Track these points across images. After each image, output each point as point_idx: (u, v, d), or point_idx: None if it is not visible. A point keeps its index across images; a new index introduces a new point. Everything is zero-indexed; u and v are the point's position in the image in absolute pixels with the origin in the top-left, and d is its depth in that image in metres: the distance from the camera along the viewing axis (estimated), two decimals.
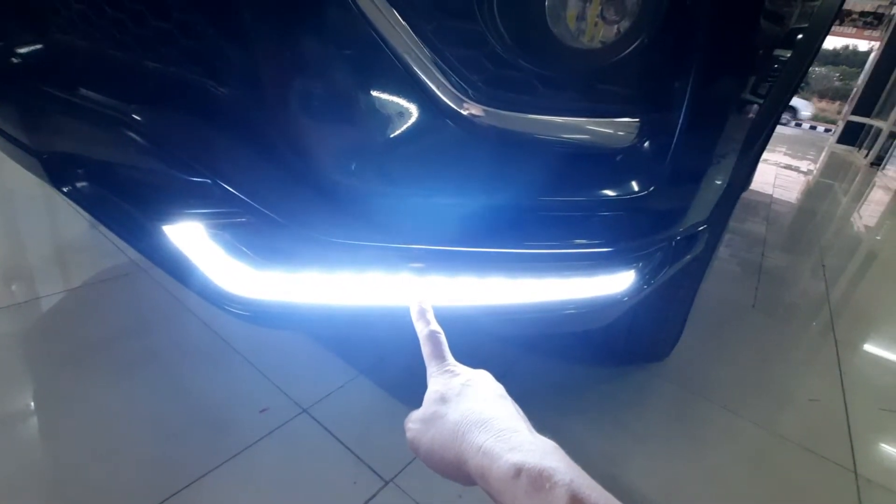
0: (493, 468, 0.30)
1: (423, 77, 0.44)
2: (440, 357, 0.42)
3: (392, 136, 0.45)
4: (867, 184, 4.33)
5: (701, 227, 0.61)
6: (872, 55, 6.24)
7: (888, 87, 5.80)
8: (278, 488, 0.68)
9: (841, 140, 6.54)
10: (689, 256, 0.66)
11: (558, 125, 0.48)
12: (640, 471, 0.80)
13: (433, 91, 0.44)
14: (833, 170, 4.95)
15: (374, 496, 0.68)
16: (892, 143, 4.89)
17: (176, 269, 0.47)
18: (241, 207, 0.44)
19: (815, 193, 3.57)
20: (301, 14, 0.40)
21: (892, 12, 5.66)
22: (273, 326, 0.50)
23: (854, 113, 6.32)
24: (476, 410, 0.35)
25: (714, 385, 1.03)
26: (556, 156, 0.49)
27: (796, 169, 4.48)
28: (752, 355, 1.20)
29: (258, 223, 0.45)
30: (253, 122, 0.43)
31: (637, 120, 0.49)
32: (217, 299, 0.47)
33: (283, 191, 0.45)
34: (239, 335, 0.94)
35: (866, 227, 2.85)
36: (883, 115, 5.52)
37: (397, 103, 0.44)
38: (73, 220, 1.36)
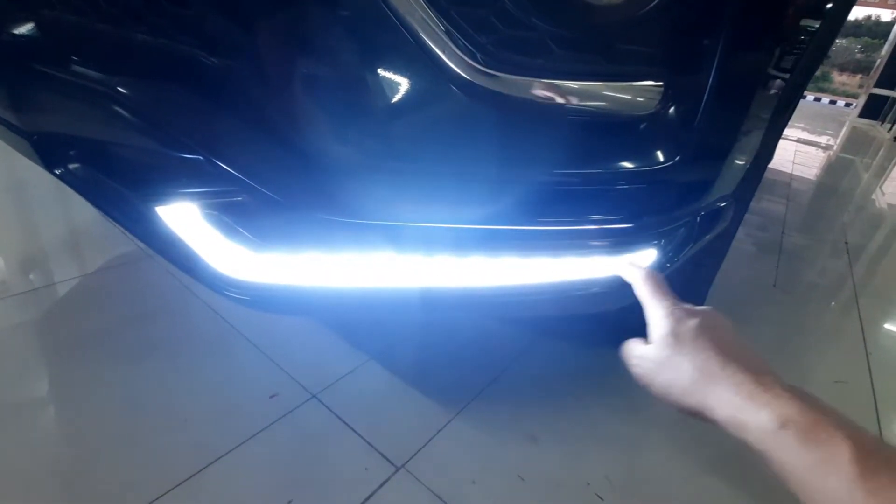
0: (752, 421, 0.32)
1: (428, 40, 0.40)
2: (664, 295, 0.43)
3: (396, 106, 0.41)
4: (890, 159, 4.19)
5: (726, 203, 0.57)
6: None
7: None
8: (290, 473, 0.66)
9: (863, 114, 6.33)
10: (713, 233, 0.62)
11: (575, 90, 0.44)
12: (659, 453, 0.78)
13: (439, 56, 0.41)
14: (854, 145, 4.79)
15: (385, 482, 0.67)
16: None
17: (171, 251, 0.45)
18: (237, 185, 0.42)
19: (836, 169, 3.46)
20: None
21: None
22: (275, 311, 0.48)
23: (877, 86, 6.09)
24: (716, 358, 0.35)
25: None
26: (573, 125, 0.45)
27: (816, 144, 4.34)
28: (775, 336, 1.16)
29: (255, 202, 0.42)
30: (247, 95, 0.40)
31: (661, 84, 0.46)
32: (214, 283, 0.45)
33: (280, 167, 0.42)
34: (247, 321, 0.92)
35: (889, 203, 2.76)
36: None
37: (400, 70, 0.41)
38: (81, 208, 1.35)
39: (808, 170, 3.25)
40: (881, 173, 3.60)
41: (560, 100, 0.44)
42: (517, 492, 0.68)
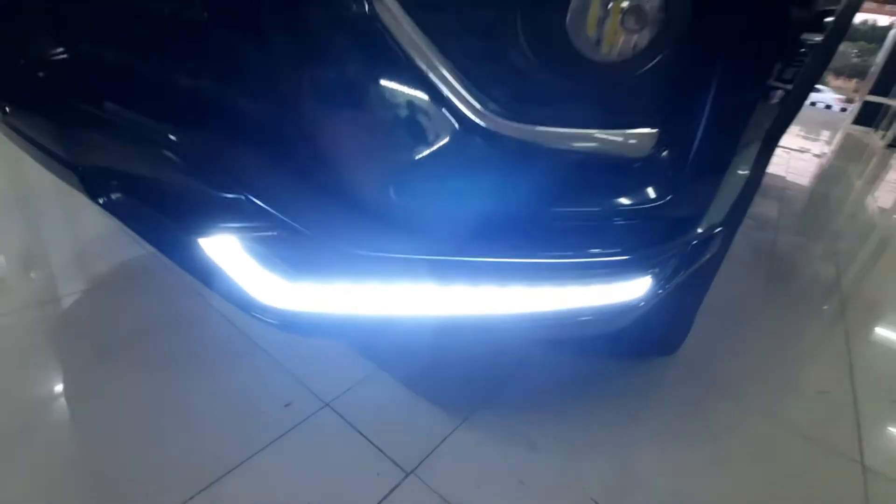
0: None
1: (448, 93, 0.45)
2: None
3: (417, 150, 0.46)
4: (883, 166, 4.26)
5: (717, 231, 0.62)
6: (893, 31, 6.06)
7: None
8: (305, 479, 0.71)
9: (857, 121, 6.40)
10: (705, 258, 0.67)
11: (579, 136, 0.49)
12: (652, 459, 0.82)
13: (457, 106, 0.45)
14: (848, 152, 4.86)
15: (396, 486, 0.72)
16: None
17: (210, 279, 0.49)
18: (273, 221, 0.46)
19: (829, 177, 3.53)
20: (332, 36, 0.41)
21: None
22: (302, 334, 0.52)
23: (872, 92, 6.17)
24: None
25: (723, 377, 1.05)
26: (577, 166, 0.50)
27: (810, 152, 4.40)
28: (761, 347, 1.21)
29: (289, 236, 0.47)
30: (284, 140, 0.45)
31: (656, 130, 0.50)
32: (250, 308, 0.49)
33: (312, 205, 0.47)
34: (261, 331, 0.97)
35: (880, 211, 2.82)
36: None
37: (422, 119, 0.45)
38: (95, 219, 1.39)
39: (801, 177, 3.32)
40: (873, 181, 3.67)
41: (566, 145, 0.49)
42: (518, 496, 0.73)
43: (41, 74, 0.53)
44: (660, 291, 0.57)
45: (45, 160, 0.56)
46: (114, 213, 0.53)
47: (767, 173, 2.86)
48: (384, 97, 0.45)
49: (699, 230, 0.57)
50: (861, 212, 2.76)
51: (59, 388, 0.82)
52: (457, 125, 0.46)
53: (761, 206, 2.41)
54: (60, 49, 0.52)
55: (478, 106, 0.46)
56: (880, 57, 6.21)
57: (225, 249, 0.47)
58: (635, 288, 0.56)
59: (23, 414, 0.76)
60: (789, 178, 3.21)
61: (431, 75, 0.44)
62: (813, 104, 14.63)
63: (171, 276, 1.14)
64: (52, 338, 0.92)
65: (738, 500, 0.78)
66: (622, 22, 0.45)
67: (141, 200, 0.50)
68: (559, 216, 0.51)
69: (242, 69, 0.44)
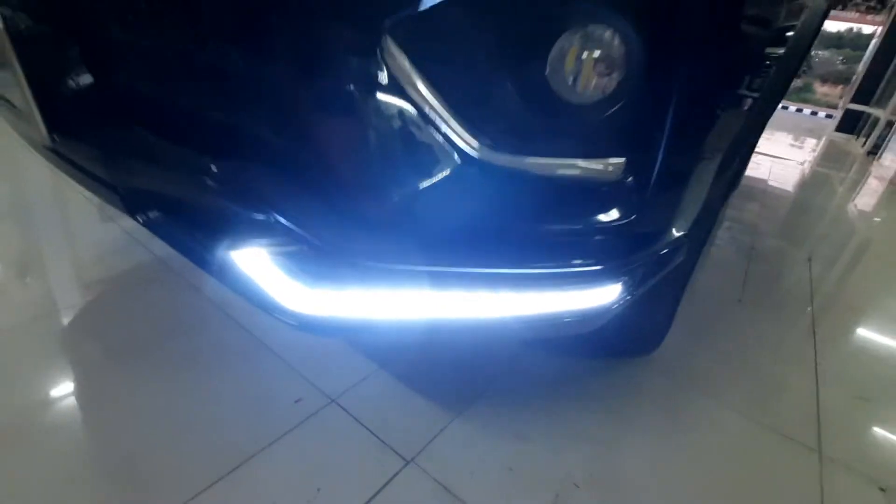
0: None
1: (447, 130, 0.53)
2: None
3: (421, 178, 0.54)
4: (863, 173, 4.41)
5: (680, 243, 0.70)
6: (873, 42, 6.24)
7: (888, 75, 5.82)
8: (316, 467, 0.78)
9: (840, 128, 6.58)
10: (672, 265, 0.76)
11: (559, 165, 0.57)
12: (629, 450, 0.91)
13: (455, 141, 0.53)
14: (829, 160, 5.01)
15: (397, 473, 0.79)
16: (889, 133, 4.95)
17: (239, 286, 0.57)
18: (297, 238, 0.54)
19: (810, 184, 3.65)
20: (352, 84, 0.49)
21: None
22: (316, 334, 0.59)
23: (853, 101, 6.35)
24: None
25: (698, 376, 1.14)
26: (557, 190, 0.58)
27: (793, 160, 4.53)
28: (736, 348, 1.30)
29: (310, 250, 0.54)
30: (307, 169, 0.52)
31: (623, 159, 0.59)
32: (273, 311, 0.57)
33: (329, 224, 0.54)
34: (269, 334, 1.04)
35: (856, 217, 2.94)
36: (882, 103, 5.56)
37: (425, 152, 0.53)
38: (96, 227, 1.45)
39: (783, 184, 3.44)
40: (853, 187, 3.81)
41: (547, 172, 0.57)
42: (507, 482, 0.81)
43: (87, 106, 0.60)
44: (630, 296, 0.65)
45: (88, 183, 0.63)
46: (150, 229, 0.60)
47: (750, 179, 2.98)
48: (394, 135, 0.53)
49: (662, 243, 0.66)
50: (838, 217, 2.88)
51: (81, 390, 0.89)
52: (456, 157, 0.54)
53: (743, 212, 2.52)
54: (105, 82, 0.59)
55: (473, 142, 0.54)
56: (861, 66, 6.39)
57: (254, 261, 0.55)
58: (608, 293, 0.64)
59: (52, 411, 0.82)
60: (771, 183, 3.33)
61: (434, 116, 0.52)
62: (799, 110, 14.91)
63: (178, 280, 1.21)
64: (73, 343, 0.99)
65: (704, 487, 0.86)
66: (592, 70, 0.53)
67: (177, 220, 0.58)
68: (542, 232, 0.59)
69: (273, 110, 0.51)
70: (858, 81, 6.31)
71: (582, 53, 0.52)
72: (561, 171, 0.58)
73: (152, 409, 0.85)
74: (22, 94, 0.60)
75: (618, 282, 0.64)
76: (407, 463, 0.81)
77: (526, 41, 0.51)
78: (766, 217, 2.55)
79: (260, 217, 0.53)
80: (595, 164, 0.58)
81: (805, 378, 1.21)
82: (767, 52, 0.71)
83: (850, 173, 4.37)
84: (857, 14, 9.34)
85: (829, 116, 12.25)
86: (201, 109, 0.54)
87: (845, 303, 1.71)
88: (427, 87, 0.50)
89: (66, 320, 1.04)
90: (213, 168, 0.53)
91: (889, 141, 4.76)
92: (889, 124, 5.01)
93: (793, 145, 5.61)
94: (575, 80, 0.53)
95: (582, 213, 0.60)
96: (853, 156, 5.31)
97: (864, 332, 1.53)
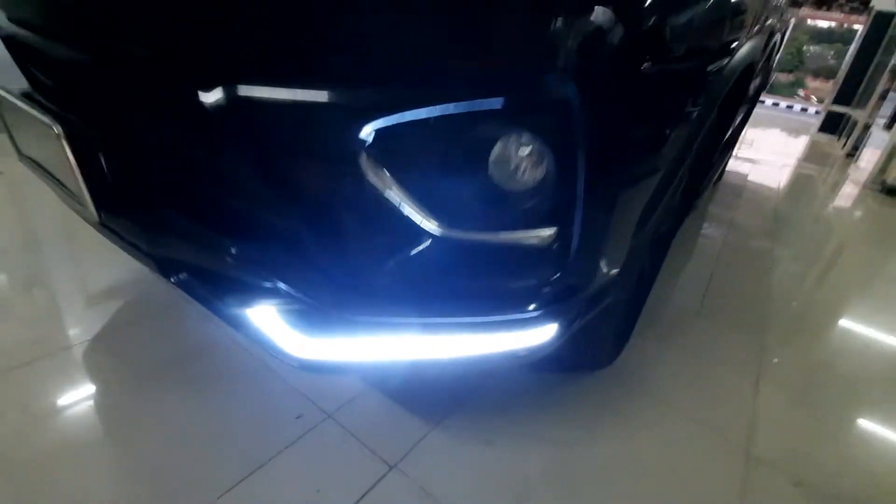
0: None
1: (412, 212, 0.69)
2: None
3: (394, 251, 0.70)
4: (840, 176, 4.58)
5: (607, 287, 0.86)
6: (853, 45, 6.40)
7: (867, 77, 5.99)
8: (315, 472, 0.94)
9: (822, 129, 6.74)
10: (604, 303, 0.92)
11: (504, 237, 0.73)
12: (582, 452, 1.07)
13: (419, 223, 0.69)
14: (810, 161, 5.19)
15: (384, 475, 0.95)
16: (865, 135, 5.12)
17: (251, 334, 0.73)
18: (297, 299, 0.70)
19: (786, 190, 3.81)
20: (339, 186, 0.65)
21: (872, 3, 5.82)
22: (314, 373, 0.74)
23: (835, 102, 6.52)
24: None
25: (649, 384, 1.30)
26: (504, 256, 0.74)
27: (772, 164, 4.70)
28: (688, 358, 1.46)
29: (307, 308, 0.70)
30: (304, 248, 0.68)
31: (554, 229, 0.75)
32: (278, 355, 0.73)
33: (322, 288, 0.70)
34: (273, 357, 1.20)
35: (825, 226, 3.11)
36: (861, 105, 5.73)
37: (396, 232, 0.69)
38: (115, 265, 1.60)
39: (758, 191, 3.60)
40: (829, 192, 3.98)
41: (494, 242, 0.73)
42: (476, 482, 0.97)
43: (128, 193, 0.76)
44: (566, 333, 0.81)
45: (129, 249, 0.79)
46: (181, 288, 0.76)
47: (727, 185, 3.14)
48: (374, 221, 0.68)
49: (590, 289, 0.82)
50: (806, 225, 3.05)
51: (105, 410, 1.05)
52: (425, 235, 0.70)
53: (713, 223, 2.68)
54: (141, 175, 0.75)
55: (436, 224, 0.70)
56: (841, 71, 6.54)
57: (264, 317, 0.71)
58: (547, 332, 0.80)
59: (81, 428, 0.98)
60: (748, 189, 3.50)
61: (403, 204, 0.68)
62: (790, 107, 15.05)
63: (183, 309, 1.36)
64: (93, 370, 1.15)
65: (642, 481, 1.03)
66: (521, 167, 0.69)
67: (202, 283, 0.74)
68: (492, 288, 0.75)
69: (279, 204, 0.67)
70: (840, 83, 6.47)
71: (513, 157, 0.68)
72: (506, 241, 0.74)
73: (170, 425, 1.01)
74: (75, 183, 0.75)
75: (554, 322, 0.80)
76: (391, 468, 0.98)
77: (472, 150, 0.67)
78: (737, 225, 2.71)
79: (268, 285, 0.69)
80: (532, 235, 0.74)
81: (747, 384, 1.38)
82: (661, 151, 0.86)
83: (828, 177, 4.54)
84: (842, 15, 9.51)
85: (818, 112, 12.40)
86: (221, 201, 0.70)
87: (798, 312, 1.88)
88: (398, 186, 0.66)
89: (88, 348, 1.20)
90: (232, 249, 0.69)
91: (865, 144, 4.93)
92: (867, 127, 5.18)
93: (775, 147, 5.77)
94: (510, 176, 0.69)
95: (524, 271, 0.76)
96: (833, 158, 5.48)
97: (810, 342, 1.70)
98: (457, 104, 0.62)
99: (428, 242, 0.70)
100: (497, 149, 0.68)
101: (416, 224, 0.69)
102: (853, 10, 8.89)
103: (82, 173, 0.74)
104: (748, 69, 1.25)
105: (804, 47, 19.46)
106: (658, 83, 0.73)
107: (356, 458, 0.99)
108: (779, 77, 18.57)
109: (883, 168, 4.09)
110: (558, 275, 0.76)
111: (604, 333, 1.12)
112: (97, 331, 1.25)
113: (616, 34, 0.63)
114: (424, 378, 1.20)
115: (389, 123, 0.63)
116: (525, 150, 0.67)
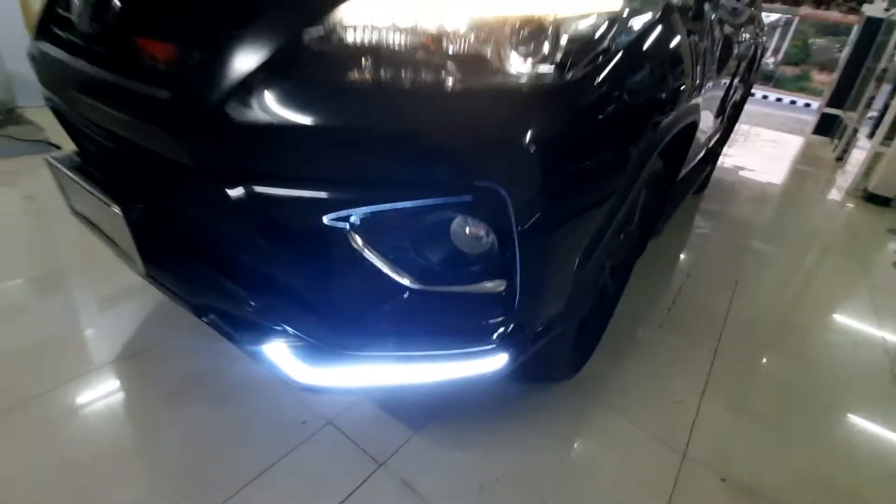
0: None
1: (385, 269, 0.89)
2: None
3: (376, 301, 0.90)
4: (827, 183, 4.72)
5: (553, 322, 1.07)
6: (846, 50, 6.49)
7: (859, 80, 6.08)
8: (318, 470, 1.16)
9: (816, 131, 6.85)
10: (556, 330, 1.12)
11: (464, 288, 0.94)
12: (539, 453, 1.28)
13: (392, 277, 0.90)
14: (801, 164, 5.32)
15: (372, 473, 1.17)
16: (853, 140, 5.24)
17: (267, 365, 0.94)
18: (301, 338, 0.91)
19: (769, 197, 3.97)
20: (328, 252, 0.85)
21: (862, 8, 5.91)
22: (315, 393, 0.94)
23: (829, 104, 6.62)
24: None
25: (605, 394, 1.51)
26: (464, 303, 0.95)
27: (760, 170, 4.85)
28: (645, 370, 1.66)
29: (310, 345, 0.91)
30: (305, 299, 0.89)
31: (502, 281, 0.95)
32: (287, 380, 0.94)
33: (321, 329, 0.91)
34: None
35: (800, 239, 3.27)
36: (853, 107, 5.84)
37: (378, 288, 0.90)
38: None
39: (743, 199, 3.76)
40: (814, 200, 4.13)
41: (456, 291, 0.93)
42: (449, 477, 1.19)
43: (167, 251, 0.97)
44: (516, 361, 1.02)
45: (169, 294, 1.00)
46: (211, 327, 0.97)
47: (714, 191, 3.32)
48: (362, 279, 0.89)
49: (535, 325, 1.02)
50: (780, 237, 3.21)
51: (128, 422, 1.26)
52: (399, 288, 0.90)
53: (691, 234, 2.87)
54: (177, 238, 0.96)
55: (409, 278, 0.90)
56: (837, 70, 6.64)
57: (276, 351, 0.92)
58: (500, 360, 1.01)
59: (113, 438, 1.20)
60: (732, 196, 3.66)
61: (378, 263, 0.89)
62: (793, 102, 15.01)
63: (202, 336, 1.57)
64: (127, 385, 1.37)
65: (585, 477, 1.24)
66: (474, 237, 0.89)
67: (227, 323, 0.95)
68: (455, 328, 0.96)
69: (285, 267, 0.88)
70: (833, 85, 6.57)
71: (467, 229, 0.88)
72: (465, 291, 0.94)
73: (193, 432, 1.22)
74: (129, 246, 0.96)
75: (506, 353, 1.01)
76: (379, 465, 1.19)
77: (434, 228, 0.87)
78: (713, 238, 2.89)
79: (278, 328, 0.90)
80: (484, 286, 0.94)
81: (693, 393, 1.58)
82: (587, 215, 1.04)
83: (814, 183, 4.69)
84: (840, 14, 9.53)
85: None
86: (243, 264, 0.91)
87: (753, 326, 2.06)
88: (379, 254, 0.86)
89: (126, 364, 1.42)
90: (251, 300, 0.90)
91: (852, 148, 5.06)
92: (855, 131, 5.31)
93: (768, 152, 5.90)
94: (466, 242, 0.90)
95: (480, 314, 0.96)
96: (824, 162, 5.61)
97: (759, 354, 1.88)
98: (424, 200, 0.82)
99: (405, 294, 0.91)
100: (454, 227, 0.88)
101: (394, 280, 0.89)
102: (850, 10, 8.92)
103: (135, 241, 0.95)
104: (689, 126, 1.43)
105: (810, 40, 19.35)
106: (577, 176, 0.91)
107: (349, 456, 1.20)
108: (784, 70, 18.48)
109: (866, 175, 4.23)
110: (507, 316, 0.96)
111: (560, 353, 1.32)
112: (124, 350, 1.47)
113: (532, 147, 0.81)
114: (409, 391, 1.41)
115: (371, 211, 0.84)
116: (473, 229, 0.88)
